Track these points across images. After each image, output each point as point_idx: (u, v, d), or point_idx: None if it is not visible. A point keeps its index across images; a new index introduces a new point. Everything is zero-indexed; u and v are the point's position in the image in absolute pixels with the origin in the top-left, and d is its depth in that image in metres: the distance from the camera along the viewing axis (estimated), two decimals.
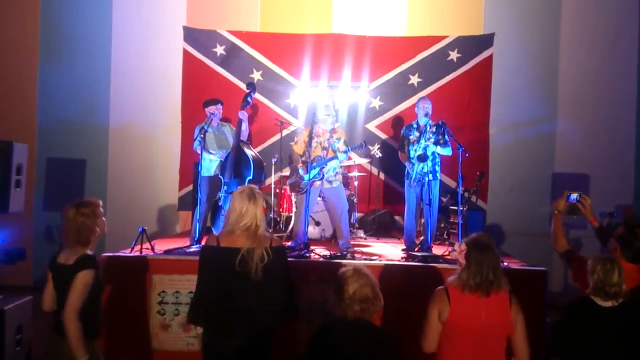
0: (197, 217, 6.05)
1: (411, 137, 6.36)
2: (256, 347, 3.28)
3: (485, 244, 2.99)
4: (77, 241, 3.32)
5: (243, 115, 6.40)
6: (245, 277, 3.18)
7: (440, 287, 3.06)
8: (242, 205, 3.30)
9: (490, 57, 8.14)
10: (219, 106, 6.50)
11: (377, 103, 8.34)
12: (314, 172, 6.05)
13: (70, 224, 3.33)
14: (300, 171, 6.19)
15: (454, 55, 8.21)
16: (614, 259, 3.32)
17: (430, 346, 3.01)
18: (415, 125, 6.40)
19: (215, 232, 6.35)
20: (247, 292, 3.21)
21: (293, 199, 7.02)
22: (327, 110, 6.28)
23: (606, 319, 3.22)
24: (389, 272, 5.13)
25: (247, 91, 6.66)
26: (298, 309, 3.59)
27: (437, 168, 6.25)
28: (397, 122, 8.22)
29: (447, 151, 6.18)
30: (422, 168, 6.13)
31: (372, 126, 8.36)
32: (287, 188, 7.13)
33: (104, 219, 3.47)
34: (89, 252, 3.34)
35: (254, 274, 3.17)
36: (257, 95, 7.31)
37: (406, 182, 6.39)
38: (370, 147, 8.18)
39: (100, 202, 3.50)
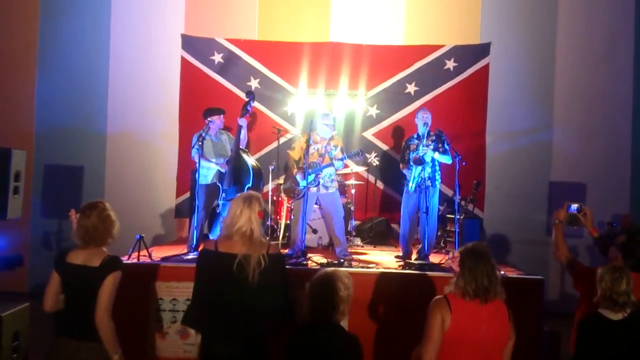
0: (195, 225, 6.05)
1: (411, 145, 6.35)
2: (253, 353, 3.27)
3: (479, 251, 2.99)
4: (102, 240, 3.38)
5: (243, 122, 6.42)
6: (243, 282, 3.17)
7: (438, 296, 3.03)
8: (237, 209, 3.31)
9: (487, 66, 8.17)
10: (222, 117, 6.52)
11: (374, 111, 8.37)
12: (309, 178, 6.06)
13: (98, 224, 3.36)
14: (297, 177, 6.21)
15: (450, 64, 8.24)
16: (623, 268, 3.32)
17: (432, 357, 2.92)
18: (415, 136, 6.39)
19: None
20: (244, 297, 3.21)
21: (287, 205, 7.05)
22: (327, 119, 6.28)
23: (619, 333, 3.21)
24: (385, 280, 5.14)
25: (247, 99, 6.68)
26: (294, 316, 3.58)
27: (437, 176, 6.22)
28: (394, 131, 8.25)
29: (446, 159, 6.13)
30: (421, 173, 6.05)
31: (369, 134, 8.38)
32: (282, 193, 7.17)
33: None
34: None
35: (251, 280, 3.17)
36: (254, 103, 7.34)
37: (405, 189, 6.39)
38: (368, 155, 8.19)
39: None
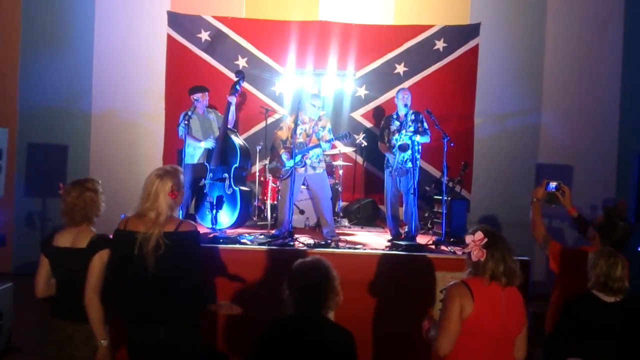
0: (180, 205, 5.99)
1: (392, 127, 6.38)
2: (178, 339, 3.09)
3: (498, 233, 2.88)
4: (85, 217, 3.29)
5: (232, 99, 6.39)
6: (144, 264, 2.98)
7: (456, 282, 2.83)
8: (149, 184, 3.16)
9: (476, 47, 8.15)
10: (205, 94, 6.48)
11: (362, 92, 8.32)
12: (296, 158, 6.03)
13: (77, 201, 3.27)
14: (284, 157, 6.17)
15: (440, 44, 8.20)
16: (616, 253, 3.25)
17: (448, 347, 2.71)
18: (395, 116, 6.44)
19: (199, 220, 6.34)
20: (148, 279, 3.01)
21: (272, 185, 7.02)
22: (316, 101, 6.24)
23: (611, 314, 3.15)
24: (372, 261, 5.13)
25: (237, 79, 6.63)
26: (208, 301, 3.35)
27: (417, 156, 6.23)
28: (383, 112, 8.21)
29: (425, 139, 6.23)
30: (403, 157, 6.15)
31: (357, 115, 8.34)
32: (267, 173, 7.15)
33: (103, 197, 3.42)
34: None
35: (150, 262, 2.98)
36: (243, 83, 7.28)
37: (386, 171, 6.43)
38: (356, 136, 8.15)
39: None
